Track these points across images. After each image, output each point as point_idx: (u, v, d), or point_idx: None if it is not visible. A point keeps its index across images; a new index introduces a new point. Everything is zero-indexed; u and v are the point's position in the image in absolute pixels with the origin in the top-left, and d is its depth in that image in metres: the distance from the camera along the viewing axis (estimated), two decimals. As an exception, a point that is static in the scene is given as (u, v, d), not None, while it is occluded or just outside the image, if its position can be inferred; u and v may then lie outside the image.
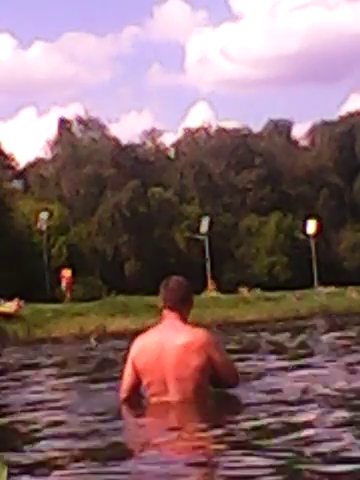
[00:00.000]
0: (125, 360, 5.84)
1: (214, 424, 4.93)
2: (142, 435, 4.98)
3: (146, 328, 6.07)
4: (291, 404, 5.55)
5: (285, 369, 8.31)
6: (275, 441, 4.38)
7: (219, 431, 4.73)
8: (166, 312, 5.69)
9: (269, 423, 4.90)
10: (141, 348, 5.67)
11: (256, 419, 5.01)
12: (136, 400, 5.67)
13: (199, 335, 5.56)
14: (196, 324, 5.74)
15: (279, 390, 6.28)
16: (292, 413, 5.21)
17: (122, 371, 5.84)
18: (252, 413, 5.24)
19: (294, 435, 4.51)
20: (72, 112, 79.29)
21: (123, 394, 5.74)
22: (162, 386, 5.51)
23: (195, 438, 4.62)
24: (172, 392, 5.50)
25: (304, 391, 6.06)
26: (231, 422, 4.99)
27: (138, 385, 5.66)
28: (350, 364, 8.42)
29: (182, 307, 5.67)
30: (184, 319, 5.64)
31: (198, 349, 5.47)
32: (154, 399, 5.56)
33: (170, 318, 5.65)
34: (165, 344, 5.53)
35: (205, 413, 5.43)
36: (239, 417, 5.16)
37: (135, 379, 5.66)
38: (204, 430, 4.78)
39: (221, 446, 4.36)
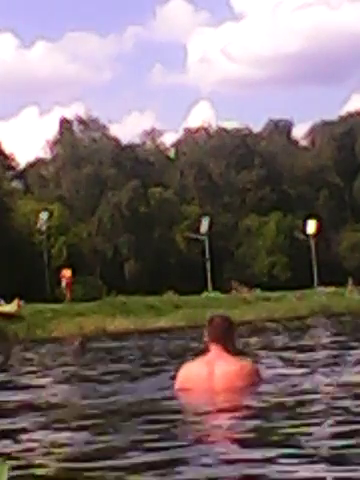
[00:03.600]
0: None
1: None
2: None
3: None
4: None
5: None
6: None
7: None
8: (212, 345, 6.39)
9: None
10: (187, 376, 6.38)
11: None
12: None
13: (244, 365, 6.39)
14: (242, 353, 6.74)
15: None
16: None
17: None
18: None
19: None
20: (74, 112, 79.41)
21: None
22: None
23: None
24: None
25: None
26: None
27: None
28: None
29: (226, 340, 6.40)
30: (228, 350, 6.37)
31: (244, 377, 6.25)
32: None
33: (216, 350, 6.36)
34: (216, 372, 6.21)
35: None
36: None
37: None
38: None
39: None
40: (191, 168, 75.02)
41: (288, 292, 46.49)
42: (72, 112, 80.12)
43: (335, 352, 11.02)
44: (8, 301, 34.87)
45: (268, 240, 71.45)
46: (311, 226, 60.35)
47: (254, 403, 5.88)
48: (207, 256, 57.48)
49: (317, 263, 58.35)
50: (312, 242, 59.95)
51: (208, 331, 6.43)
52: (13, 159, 74.59)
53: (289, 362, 9.63)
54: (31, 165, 76.49)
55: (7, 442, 4.98)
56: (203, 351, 6.50)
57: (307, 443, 4.38)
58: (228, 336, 6.40)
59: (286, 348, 13.13)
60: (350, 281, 51.52)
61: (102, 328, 32.51)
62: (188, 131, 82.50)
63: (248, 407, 5.76)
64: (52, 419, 5.75)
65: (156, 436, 4.85)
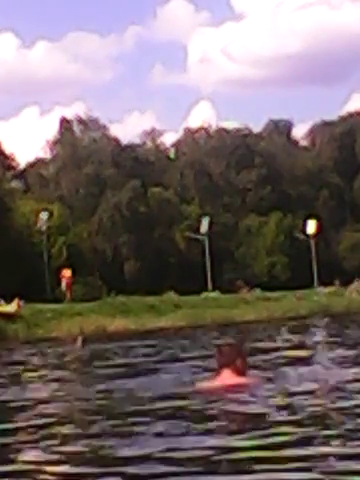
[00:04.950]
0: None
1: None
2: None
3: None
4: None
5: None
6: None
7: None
8: (223, 369, 6.92)
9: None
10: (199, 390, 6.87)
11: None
12: None
13: (254, 383, 6.98)
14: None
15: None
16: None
17: None
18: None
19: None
20: (74, 112, 79.31)
21: None
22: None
23: None
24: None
25: None
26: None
27: None
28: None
29: (236, 364, 6.91)
30: (238, 372, 6.92)
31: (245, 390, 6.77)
32: None
33: (227, 373, 6.91)
34: (224, 387, 6.75)
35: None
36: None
37: None
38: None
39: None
40: (191, 168, 75.00)
41: (288, 292, 46.50)
42: (72, 112, 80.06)
43: (333, 352, 11.04)
44: (8, 301, 34.89)
45: (268, 240, 71.42)
46: (311, 226, 60.39)
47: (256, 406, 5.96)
48: (207, 256, 57.51)
49: (317, 263, 58.37)
50: (312, 242, 59.98)
51: (218, 358, 7.00)
52: (13, 159, 74.64)
53: (288, 362, 9.66)
54: (31, 165, 76.49)
55: (8, 441, 5.01)
56: (215, 373, 6.96)
57: (304, 442, 4.42)
58: (238, 360, 6.87)
59: (286, 348, 13.16)
60: (337, 282, 51.49)
61: (102, 328, 32.55)
62: (188, 131, 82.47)
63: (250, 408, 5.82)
64: (53, 418, 5.77)
65: (157, 430, 4.88)
